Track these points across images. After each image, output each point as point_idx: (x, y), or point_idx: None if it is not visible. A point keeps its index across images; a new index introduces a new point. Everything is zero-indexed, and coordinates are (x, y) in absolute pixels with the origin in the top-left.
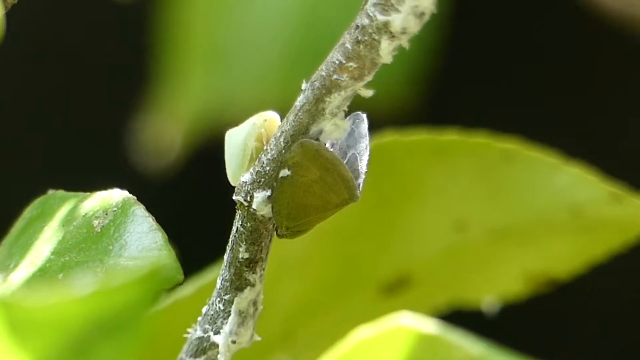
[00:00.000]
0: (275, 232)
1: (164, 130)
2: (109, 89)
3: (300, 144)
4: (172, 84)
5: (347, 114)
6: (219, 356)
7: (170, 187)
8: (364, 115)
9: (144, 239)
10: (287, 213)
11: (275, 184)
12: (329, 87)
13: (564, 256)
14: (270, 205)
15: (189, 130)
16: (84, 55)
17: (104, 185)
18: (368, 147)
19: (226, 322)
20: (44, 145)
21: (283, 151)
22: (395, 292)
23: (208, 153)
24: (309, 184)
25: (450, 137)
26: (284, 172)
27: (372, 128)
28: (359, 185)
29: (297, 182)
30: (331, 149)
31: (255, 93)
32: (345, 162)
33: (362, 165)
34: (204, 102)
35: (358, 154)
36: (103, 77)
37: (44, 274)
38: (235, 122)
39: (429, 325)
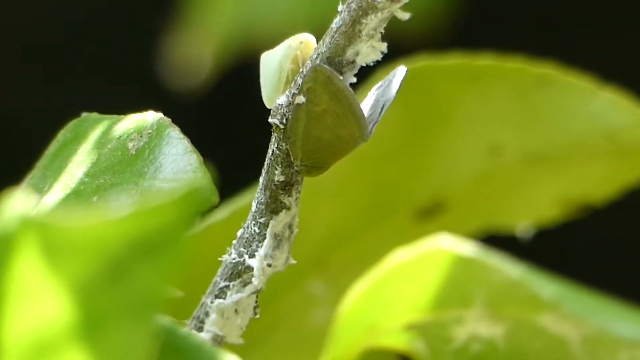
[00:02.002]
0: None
1: (194, 50)
2: (139, 8)
3: (314, 69)
4: (203, 2)
5: (383, 37)
6: (253, 279)
7: (201, 107)
8: (405, 69)
9: (179, 161)
10: (301, 144)
11: (291, 111)
12: (365, 9)
13: (598, 181)
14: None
15: (219, 49)
16: None
17: (134, 105)
18: (392, 99)
19: (261, 246)
20: (75, 67)
21: None
22: (429, 217)
23: (239, 72)
24: (321, 114)
25: (485, 61)
26: (300, 99)
27: (406, 52)
28: (371, 128)
29: (311, 111)
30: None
31: (286, 14)
32: (374, 107)
33: (382, 113)
34: (234, 20)
35: (384, 102)
36: None
37: (78, 197)
38: (269, 43)
39: (468, 248)
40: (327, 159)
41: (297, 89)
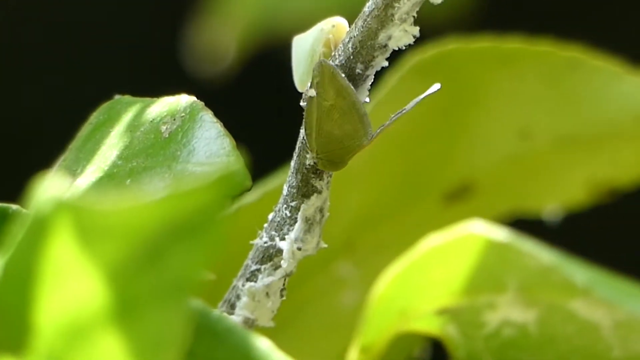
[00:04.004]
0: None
1: (219, 36)
2: None
3: (320, 63)
4: None
5: (415, 21)
6: (282, 262)
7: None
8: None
9: (212, 145)
10: (315, 136)
11: (305, 103)
12: None
13: (628, 164)
14: None
15: (244, 36)
16: None
17: (158, 93)
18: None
19: (292, 229)
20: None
21: (351, 57)
22: (458, 199)
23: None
24: (329, 109)
25: (515, 44)
26: (311, 92)
27: (436, 34)
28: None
29: (321, 105)
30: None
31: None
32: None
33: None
34: (260, 6)
35: (401, 112)
36: None
37: (111, 179)
38: (295, 29)
39: (500, 233)
40: (339, 154)
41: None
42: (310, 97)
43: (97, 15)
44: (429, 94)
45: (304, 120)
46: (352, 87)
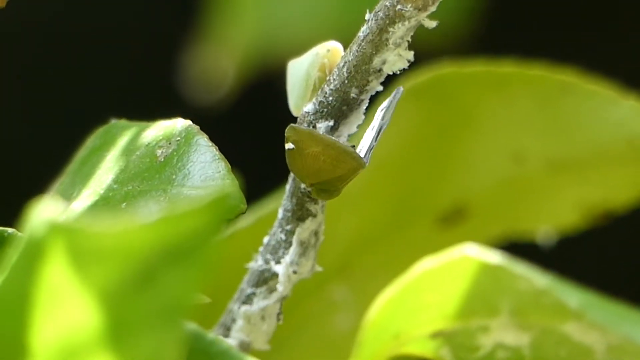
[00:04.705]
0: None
1: (216, 63)
2: (160, 21)
3: (293, 128)
4: (225, 16)
5: (409, 45)
6: (277, 286)
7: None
8: (402, 90)
9: (207, 169)
10: (305, 175)
11: (285, 152)
12: (392, 18)
13: (621, 188)
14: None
15: (242, 63)
16: None
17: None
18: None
19: (287, 253)
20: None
21: (346, 81)
22: (451, 223)
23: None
24: (315, 155)
25: (508, 68)
26: (289, 146)
27: (429, 58)
28: (367, 154)
29: (304, 153)
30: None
31: (310, 25)
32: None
33: (378, 137)
34: (257, 33)
35: (382, 126)
36: (155, 8)
37: (106, 203)
38: (292, 55)
39: (493, 256)
40: (334, 185)
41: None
42: (288, 149)
43: (95, 40)
44: (397, 99)
45: (289, 166)
46: (331, 137)
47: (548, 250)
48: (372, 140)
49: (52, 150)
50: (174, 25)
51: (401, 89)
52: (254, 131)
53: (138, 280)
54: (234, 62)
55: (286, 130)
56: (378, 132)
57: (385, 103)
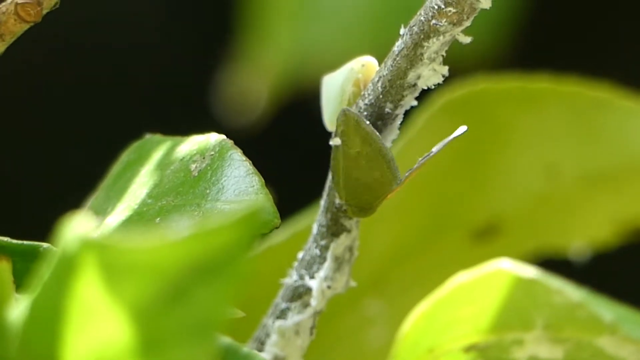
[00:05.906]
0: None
1: (250, 85)
2: (195, 42)
3: (344, 112)
4: (258, 37)
5: (443, 60)
6: (311, 300)
7: (257, 141)
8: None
9: (240, 183)
10: (343, 184)
11: (331, 152)
12: (427, 32)
13: None
14: None
15: (275, 84)
16: (170, 5)
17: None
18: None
19: (322, 268)
20: (128, 103)
21: (380, 96)
22: (485, 238)
23: (295, 107)
24: (355, 157)
25: (542, 84)
26: (336, 141)
27: (464, 73)
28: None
29: (347, 153)
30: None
31: (343, 46)
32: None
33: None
34: (290, 55)
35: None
36: (188, 30)
37: (141, 218)
38: (326, 73)
39: (528, 270)
40: (369, 200)
41: (368, 110)
42: (335, 146)
43: (127, 59)
44: (456, 136)
45: (330, 167)
46: (377, 133)
47: (581, 267)
48: (418, 165)
49: (88, 165)
50: (208, 46)
51: (465, 128)
52: (287, 151)
53: (170, 295)
54: (268, 83)
55: (338, 115)
56: (424, 159)
57: (447, 138)
